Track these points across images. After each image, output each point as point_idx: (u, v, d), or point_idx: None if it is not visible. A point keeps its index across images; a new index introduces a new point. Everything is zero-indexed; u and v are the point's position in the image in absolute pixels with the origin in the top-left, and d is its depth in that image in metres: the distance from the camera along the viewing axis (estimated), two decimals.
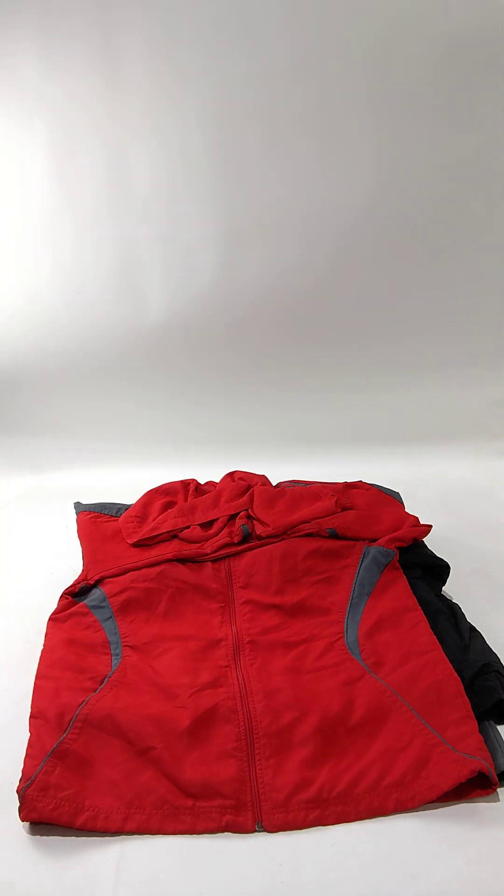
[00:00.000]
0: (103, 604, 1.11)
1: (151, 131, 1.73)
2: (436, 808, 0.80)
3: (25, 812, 0.79)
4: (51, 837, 0.78)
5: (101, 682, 0.96)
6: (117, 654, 1.02)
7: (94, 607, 1.11)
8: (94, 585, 1.16)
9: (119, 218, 1.80)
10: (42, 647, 1.04)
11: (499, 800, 0.80)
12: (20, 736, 0.89)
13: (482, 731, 0.86)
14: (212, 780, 0.82)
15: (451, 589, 1.22)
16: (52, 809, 0.79)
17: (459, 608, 1.11)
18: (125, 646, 1.03)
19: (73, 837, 0.78)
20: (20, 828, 0.79)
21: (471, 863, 0.73)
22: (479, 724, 0.87)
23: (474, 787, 0.80)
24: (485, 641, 1.03)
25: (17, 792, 0.80)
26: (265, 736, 0.87)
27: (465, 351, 1.88)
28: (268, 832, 0.78)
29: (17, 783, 0.82)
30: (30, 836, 0.79)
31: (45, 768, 0.82)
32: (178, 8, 1.61)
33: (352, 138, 1.72)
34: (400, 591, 1.11)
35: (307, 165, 1.73)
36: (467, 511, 1.58)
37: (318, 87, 1.67)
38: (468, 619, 1.08)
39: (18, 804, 0.79)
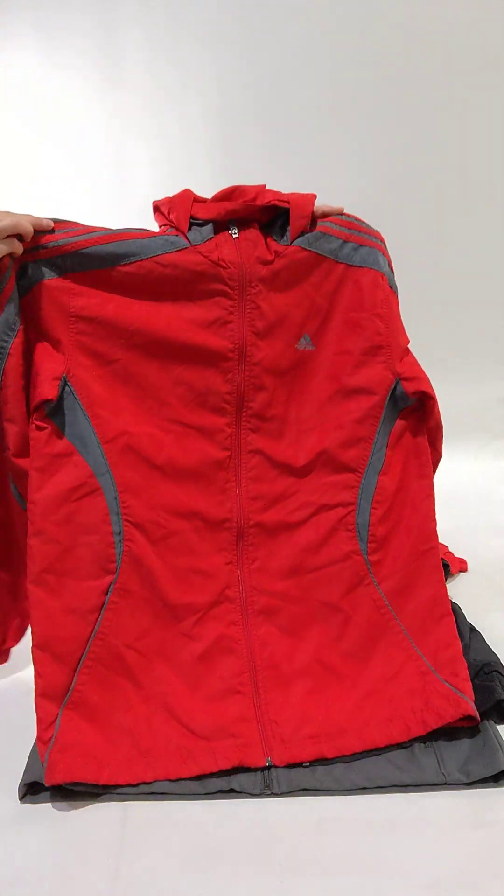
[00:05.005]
0: (98, 450, 0.95)
1: (152, 129, 1.73)
2: (435, 807, 0.80)
3: (51, 776, 0.80)
4: (51, 832, 0.79)
5: (107, 592, 0.91)
6: (119, 534, 0.94)
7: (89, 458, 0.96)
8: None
9: (119, 217, 1.80)
10: (28, 502, 0.92)
11: (499, 800, 0.81)
12: (20, 735, 0.90)
13: (482, 730, 0.88)
14: (221, 720, 0.88)
15: (452, 589, 1.22)
16: (76, 769, 0.81)
17: (459, 608, 1.11)
18: (127, 522, 0.94)
19: (73, 836, 0.78)
20: (20, 823, 0.80)
21: (471, 862, 0.73)
22: (479, 723, 0.88)
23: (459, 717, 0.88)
24: (485, 641, 1.03)
25: (41, 758, 0.82)
26: (267, 668, 0.93)
27: (465, 351, 1.88)
28: (276, 767, 0.85)
29: (35, 734, 0.85)
30: (31, 830, 0.79)
31: (62, 726, 0.84)
32: (179, 5, 1.61)
33: (352, 138, 1.72)
34: (418, 448, 1.05)
35: (307, 165, 1.73)
36: (468, 511, 1.58)
37: (318, 86, 1.68)
38: (468, 619, 1.08)
39: (44, 769, 0.81)
